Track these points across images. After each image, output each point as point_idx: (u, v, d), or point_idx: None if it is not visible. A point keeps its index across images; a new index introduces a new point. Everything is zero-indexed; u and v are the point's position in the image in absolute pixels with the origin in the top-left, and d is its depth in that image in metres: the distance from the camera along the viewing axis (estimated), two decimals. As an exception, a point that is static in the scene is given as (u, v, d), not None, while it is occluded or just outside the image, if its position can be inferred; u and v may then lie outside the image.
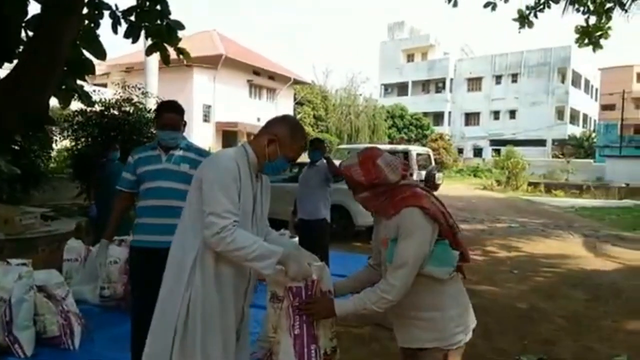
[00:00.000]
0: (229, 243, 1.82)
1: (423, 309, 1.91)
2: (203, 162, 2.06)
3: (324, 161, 5.32)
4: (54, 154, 10.40)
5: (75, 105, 6.92)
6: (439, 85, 47.01)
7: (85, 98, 5.38)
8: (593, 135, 38.97)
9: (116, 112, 7.94)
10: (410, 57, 49.24)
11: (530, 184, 25.10)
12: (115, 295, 4.20)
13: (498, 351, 3.84)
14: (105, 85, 18.30)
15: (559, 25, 16.35)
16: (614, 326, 4.61)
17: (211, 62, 25.39)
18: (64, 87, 5.16)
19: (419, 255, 1.82)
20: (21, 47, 4.77)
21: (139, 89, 8.80)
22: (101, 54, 5.15)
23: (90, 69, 5.14)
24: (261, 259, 1.86)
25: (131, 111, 8.04)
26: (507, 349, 3.91)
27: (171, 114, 2.98)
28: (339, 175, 2.00)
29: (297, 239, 5.81)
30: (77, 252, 4.55)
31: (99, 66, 25.30)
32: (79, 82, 5.27)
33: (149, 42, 5.50)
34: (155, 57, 6.01)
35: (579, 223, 12.81)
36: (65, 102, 5.24)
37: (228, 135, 27.03)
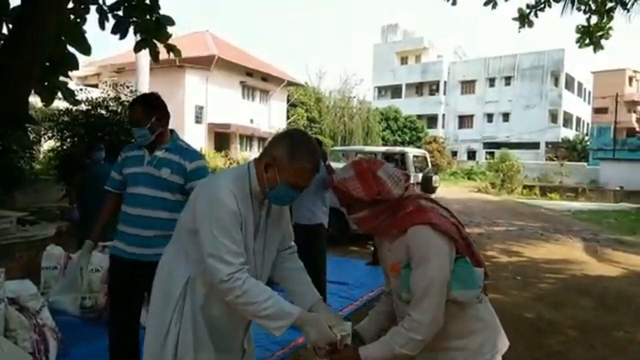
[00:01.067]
0: (239, 295, 1.56)
1: (452, 337, 1.63)
2: (198, 189, 1.74)
3: (322, 163, 5.06)
4: (41, 155, 10.09)
5: (62, 104, 6.65)
6: (433, 87, 46.92)
7: (69, 95, 5.14)
8: (586, 138, 39.04)
9: (103, 112, 7.65)
10: (404, 60, 49.15)
11: (525, 186, 25.00)
12: (96, 306, 3.90)
13: (509, 366, 3.59)
14: (96, 86, 17.95)
15: (553, 29, 16.25)
16: (626, 337, 4.39)
17: (204, 63, 25.10)
18: (46, 84, 4.93)
19: (442, 281, 1.54)
20: (1, 41, 4.51)
21: (128, 87, 8.50)
22: (86, 49, 4.92)
23: (74, 65, 4.90)
24: (273, 318, 1.58)
25: (119, 110, 7.75)
26: (518, 364, 3.66)
27: (135, 107, 2.67)
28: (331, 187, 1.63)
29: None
30: (57, 259, 4.24)
31: (90, 67, 24.98)
32: (63, 79, 5.03)
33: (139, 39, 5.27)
34: (147, 57, 5.79)
35: (577, 226, 12.64)
36: (47, 100, 5.00)
37: (220, 137, 26.72)
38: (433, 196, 9.25)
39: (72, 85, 5.60)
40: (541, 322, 4.72)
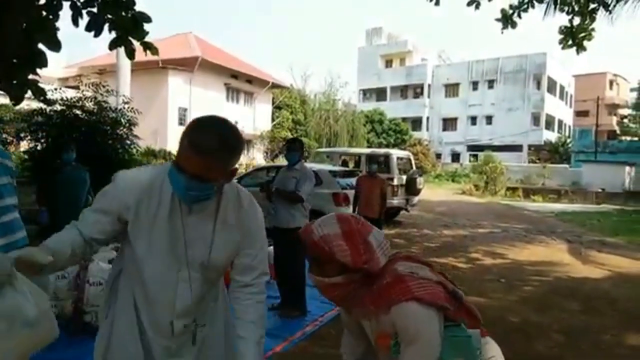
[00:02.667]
0: None
1: None
2: None
3: (304, 164, 4.92)
4: (14, 156, 9.78)
5: (37, 104, 6.41)
6: (417, 90, 47.11)
7: (39, 94, 4.95)
8: (568, 140, 39.49)
9: (79, 112, 7.39)
10: (388, 63, 49.29)
11: (508, 188, 25.13)
12: (62, 314, 3.68)
13: (495, 373, 3.47)
14: (77, 87, 17.63)
15: (535, 34, 16.36)
16: (613, 340, 4.31)
17: (187, 65, 24.82)
18: (15, 82, 4.73)
19: (436, 353, 1.42)
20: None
21: (104, 86, 8.25)
22: (55, 45, 4.72)
23: (43, 62, 4.71)
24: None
25: (95, 110, 7.51)
26: (504, 371, 3.54)
27: None
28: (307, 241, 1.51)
29: (272, 247, 5.41)
30: (23, 265, 4.03)
31: (71, 68, 24.60)
32: (32, 76, 4.84)
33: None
34: (128, 58, 5.60)
35: (560, 228, 12.68)
36: (17, 98, 4.80)
37: (204, 140, 26.42)
38: (417, 198, 9.15)
39: (47, 86, 5.39)
40: (527, 326, 4.62)
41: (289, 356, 3.72)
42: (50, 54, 4.58)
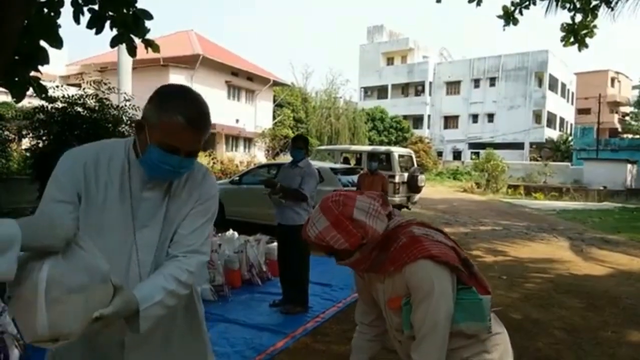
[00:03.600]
0: None
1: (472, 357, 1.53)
2: None
3: (308, 161, 4.92)
4: (16, 154, 9.80)
5: (37, 101, 6.42)
6: (419, 88, 47.07)
7: (41, 91, 4.95)
8: (570, 138, 39.45)
9: (80, 110, 7.39)
10: (389, 61, 49.26)
11: (510, 186, 25.15)
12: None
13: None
14: (79, 85, 17.64)
15: (536, 32, 16.32)
16: (615, 338, 4.30)
17: (188, 62, 24.82)
18: (16, 79, 4.73)
19: (448, 312, 1.44)
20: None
21: (105, 84, 8.25)
22: (57, 42, 4.72)
23: (44, 59, 4.71)
24: None
25: (97, 108, 7.51)
26: (505, 367, 3.55)
27: None
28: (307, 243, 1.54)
29: (275, 244, 5.43)
30: (25, 262, 4.03)
31: (73, 66, 24.63)
32: (34, 74, 4.84)
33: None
34: (129, 56, 5.61)
35: (562, 226, 12.67)
36: (18, 96, 4.80)
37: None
38: (418, 196, 9.16)
39: (49, 83, 5.40)
40: (529, 323, 4.61)
41: (291, 352, 3.73)
42: (52, 51, 4.58)
